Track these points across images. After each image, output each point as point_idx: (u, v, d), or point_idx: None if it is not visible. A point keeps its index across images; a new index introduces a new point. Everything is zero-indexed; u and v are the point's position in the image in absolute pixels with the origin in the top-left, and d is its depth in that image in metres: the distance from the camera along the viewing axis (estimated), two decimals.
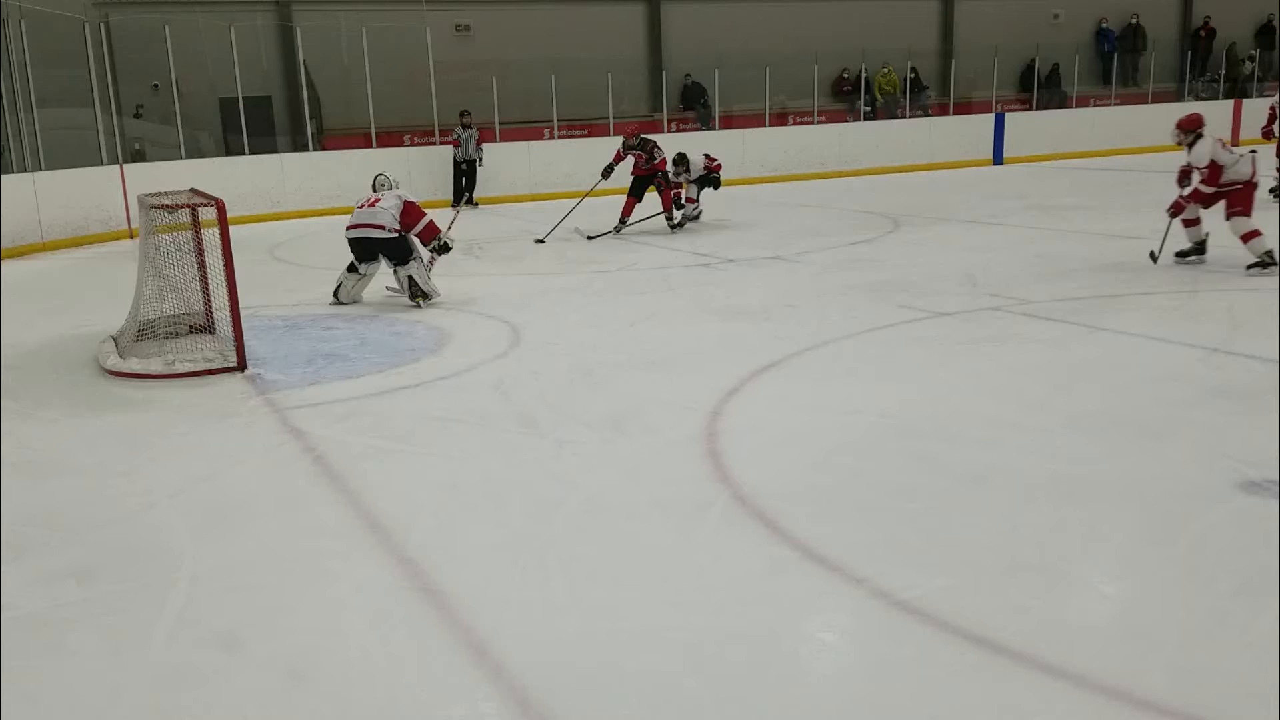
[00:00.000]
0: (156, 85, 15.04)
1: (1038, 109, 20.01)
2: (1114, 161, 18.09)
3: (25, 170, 12.30)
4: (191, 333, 6.55)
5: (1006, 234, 10.31)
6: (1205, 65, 21.92)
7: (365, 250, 7.63)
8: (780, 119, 18.30)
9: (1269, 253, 7.64)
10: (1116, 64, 21.24)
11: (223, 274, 6.04)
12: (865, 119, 19.20)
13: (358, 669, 2.84)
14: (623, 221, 11.32)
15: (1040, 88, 20.27)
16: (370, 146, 15.36)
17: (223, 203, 6.01)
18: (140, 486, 4.27)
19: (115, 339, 6.49)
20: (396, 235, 7.49)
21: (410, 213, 7.62)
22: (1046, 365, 5.64)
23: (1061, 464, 4.14)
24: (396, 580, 3.35)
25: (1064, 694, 2.60)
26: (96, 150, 13.34)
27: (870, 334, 6.45)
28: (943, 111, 19.50)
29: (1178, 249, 8.17)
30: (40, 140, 12.73)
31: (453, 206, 14.65)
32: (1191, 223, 8.11)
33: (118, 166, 13.22)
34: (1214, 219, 7.89)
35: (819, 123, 18.73)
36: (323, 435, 4.83)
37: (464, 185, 15.20)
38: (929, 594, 3.10)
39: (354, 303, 7.73)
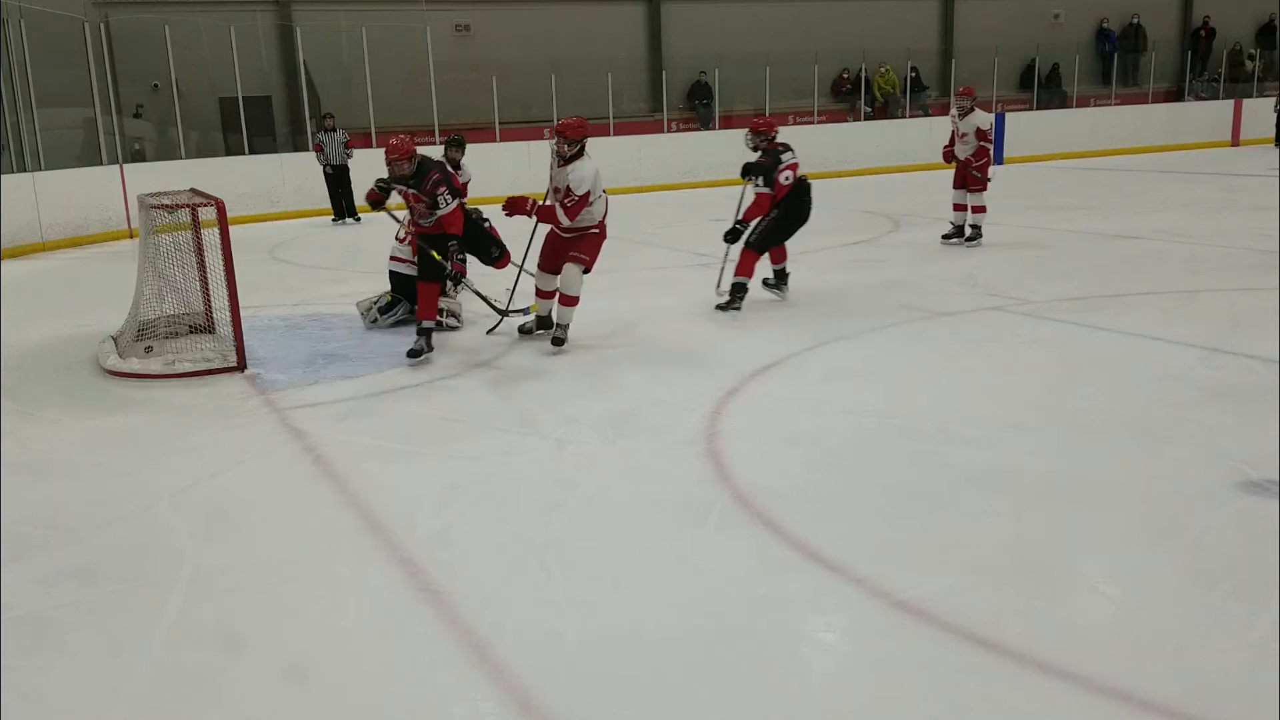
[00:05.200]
0: (156, 85, 15.05)
1: (1038, 109, 20.01)
2: (1114, 161, 18.09)
3: (25, 170, 12.31)
4: (191, 333, 6.55)
5: (1006, 234, 10.31)
6: (1205, 65, 21.92)
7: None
8: (780, 119, 18.29)
9: (550, 323, 6.45)
10: (1116, 64, 21.24)
11: (223, 274, 6.04)
12: (865, 119, 19.20)
13: (358, 669, 2.84)
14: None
15: (1040, 88, 20.28)
16: (370, 146, 15.34)
17: (223, 203, 6.01)
18: (140, 486, 4.27)
19: (115, 339, 6.49)
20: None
21: None
22: (1046, 365, 5.64)
23: (1061, 464, 4.14)
24: (396, 580, 3.35)
25: (1064, 694, 2.60)
26: (96, 150, 13.34)
27: (870, 334, 6.45)
28: (943, 111, 19.47)
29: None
30: (40, 140, 12.74)
31: (334, 221, 13.84)
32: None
33: (118, 166, 13.23)
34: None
35: (819, 123, 18.73)
36: (323, 435, 4.83)
37: (339, 195, 13.80)
38: (929, 594, 3.10)
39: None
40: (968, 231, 9.83)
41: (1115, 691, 2.59)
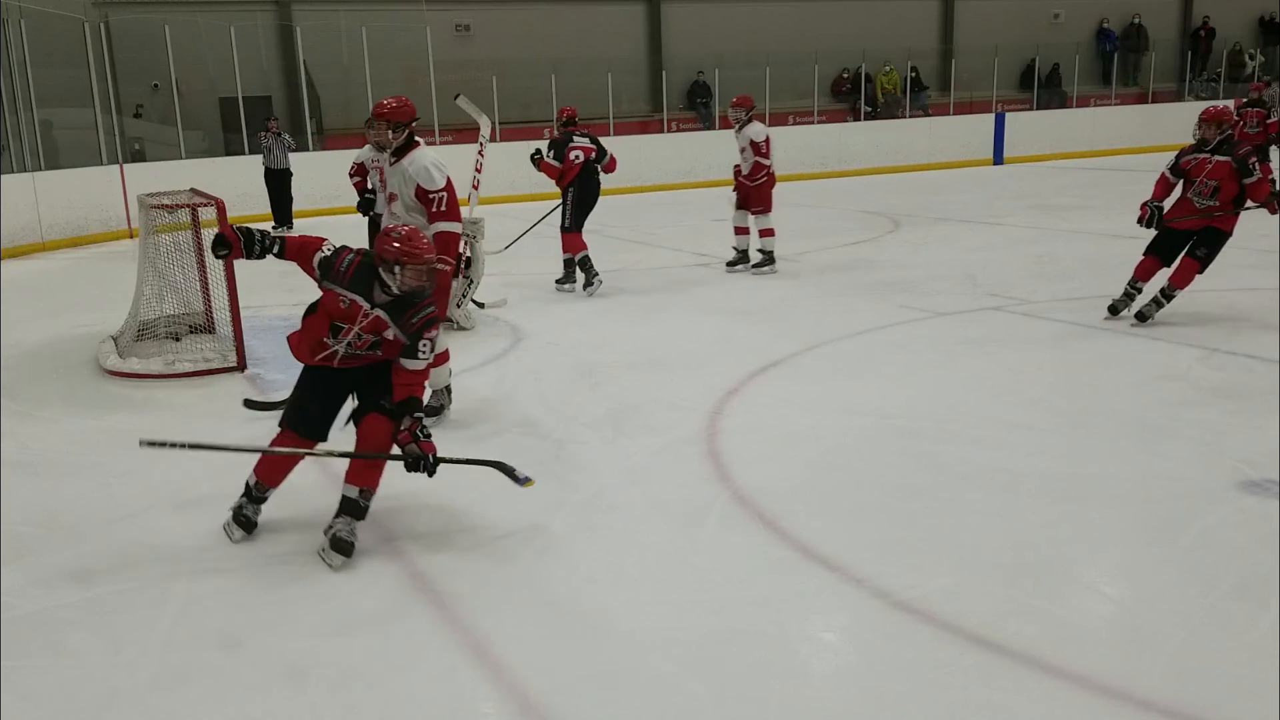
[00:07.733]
0: (156, 85, 15.05)
1: (1038, 109, 20.01)
2: (1114, 161, 18.08)
3: (25, 170, 12.31)
4: (191, 333, 6.54)
5: (1006, 234, 10.31)
6: (1205, 65, 21.91)
7: None
8: (780, 119, 18.31)
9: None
10: (1117, 64, 21.23)
11: (222, 274, 6.05)
12: (865, 119, 19.20)
13: (358, 669, 2.84)
14: None
15: (1040, 88, 20.27)
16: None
17: (223, 203, 6.00)
18: (140, 486, 4.27)
19: (115, 339, 6.48)
20: None
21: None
22: (1046, 365, 5.64)
23: (1061, 464, 4.14)
24: (396, 580, 3.35)
25: (1064, 694, 2.60)
26: (97, 150, 13.34)
27: (870, 334, 6.45)
28: (943, 111, 19.49)
29: None
30: (40, 140, 12.72)
31: (274, 228, 13.12)
32: None
33: (118, 166, 13.22)
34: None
35: (819, 123, 18.73)
36: None
37: (278, 200, 12.95)
38: (929, 594, 3.10)
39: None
40: (754, 257, 8.72)
41: (1115, 691, 2.59)
